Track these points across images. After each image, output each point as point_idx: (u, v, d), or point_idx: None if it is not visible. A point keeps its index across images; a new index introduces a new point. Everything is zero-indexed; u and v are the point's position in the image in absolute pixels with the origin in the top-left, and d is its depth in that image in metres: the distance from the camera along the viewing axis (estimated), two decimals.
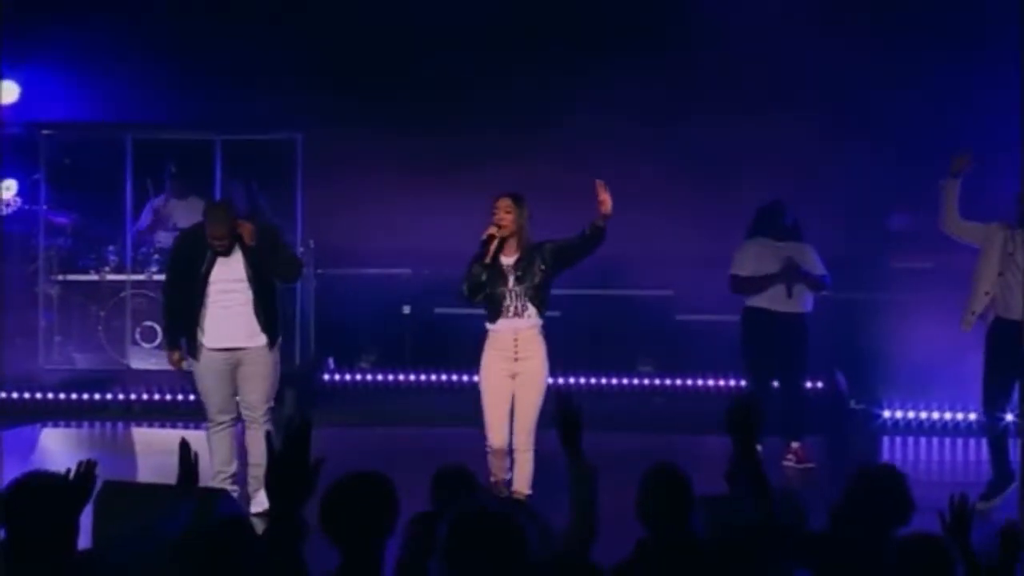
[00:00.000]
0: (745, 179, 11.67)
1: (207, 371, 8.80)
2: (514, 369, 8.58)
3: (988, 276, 9.03)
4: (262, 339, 8.76)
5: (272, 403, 8.86)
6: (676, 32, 12.35)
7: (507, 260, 8.62)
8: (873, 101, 12.10)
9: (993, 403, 9.08)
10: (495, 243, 8.53)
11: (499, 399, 8.60)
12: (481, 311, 8.83)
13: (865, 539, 5.16)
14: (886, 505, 5.25)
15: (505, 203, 8.57)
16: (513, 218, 8.55)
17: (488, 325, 8.69)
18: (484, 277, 8.55)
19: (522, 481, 8.55)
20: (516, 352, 8.57)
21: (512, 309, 8.56)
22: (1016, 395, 9.02)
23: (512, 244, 8.60)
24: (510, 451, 8.58)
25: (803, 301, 10.41)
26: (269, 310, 8.78)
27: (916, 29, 12.03)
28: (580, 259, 8.71)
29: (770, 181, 11.31)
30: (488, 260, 8.51)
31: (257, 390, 8.76)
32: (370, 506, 4.55)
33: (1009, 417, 9.09)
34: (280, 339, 8.98)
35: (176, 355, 8.90)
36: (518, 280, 8.56)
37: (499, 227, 8.54)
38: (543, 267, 8.58)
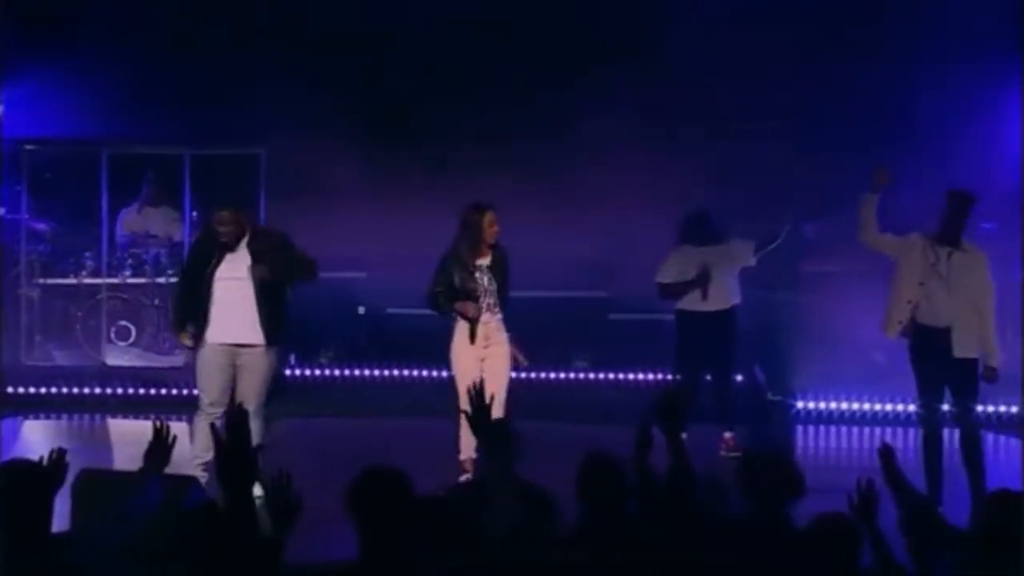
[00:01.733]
0: (684, 187, 11.59)
1: (207, 363, 8.69)
2: (483, 354, 9.06)
3: (909, 286, 8.76)
4: (261, 337, 8.65)
5: (263, 399, 8.70)
6: (648, 46, 12.32)
7: (482, 262, 9.12)
8: (829, 113, 12.13)
9: (930, 405, 8.85)
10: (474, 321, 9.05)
11: (470, 378, 8.76)
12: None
13: (766, 517, 5.17)
14: (777, 483, 5.25)
15: (492, 216, 9.08)
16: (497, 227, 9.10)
17: (460, 318, 9.07)
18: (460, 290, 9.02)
19: None
20: (487, 338, 9.06)
21: (485, 305, 9.06)
22: (948, 393, 8.83)
23: (486, 249, 9.09)
24: None
25: (729, 296, 10.43)
26: (269, 309, 8.64)
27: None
28: None
29: (698, 189, 11.31)
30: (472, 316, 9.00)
31: (251, 386, 8.63)
32: (391, 498, 4.57)
33: (945, 407, 8.87)
34: (279, 338, 8.82)
35: (184, 334, 8.79)
36: (490, 280, 9.08)
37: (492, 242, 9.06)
38: (503, 271, 9.14)
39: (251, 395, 8.57)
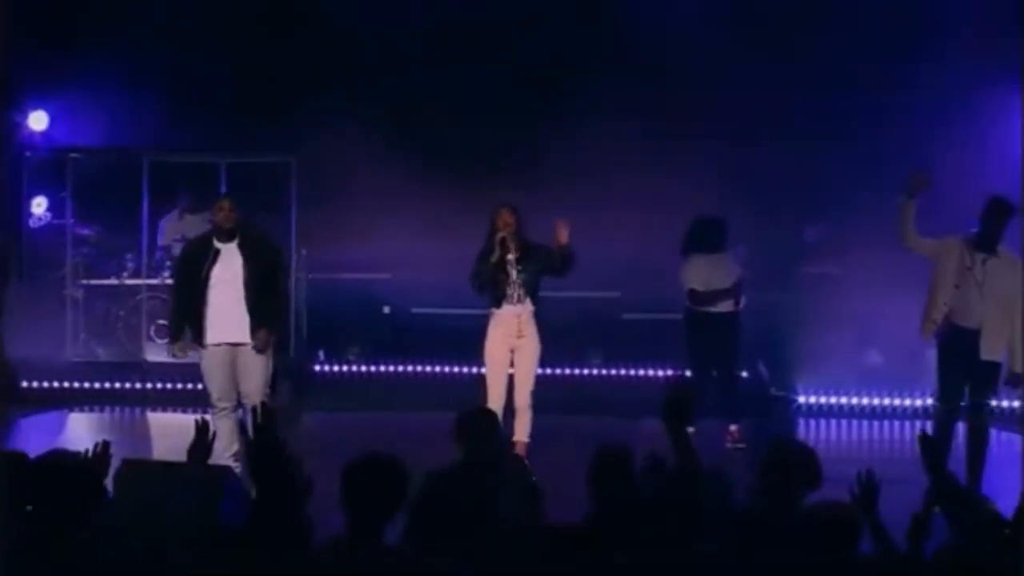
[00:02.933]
0: (691, 194, 11.52)
1: (208, 363, 8.65)
2: (514, 344, 9.18)
3: (945, 288, 8.52)
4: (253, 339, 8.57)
5: (266, 391, 8.62)
6: (651, 55, 12.30)
7: (509, 257, 9.15)
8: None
9: (948, 401, 8.70)
10: (503, 246, 9.07)
11: (499, 368, 9.21)
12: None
13: (779, 504, 5.13)
14: (797, 471, 5.21)
15: (506, 212, 9.14)
16: (513, 222, 9.11)
17: (494, 309, 9.19)
18: (491, 275, 9.09)
19: (522, 431, 9.15)
20: (519, 331, 9.13)
21: (515, 296, 9.14)
22: (967, 391, 8.63)
23: (512, 244, 9.11)
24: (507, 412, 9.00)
25: (731, 300, 10.42)
26: (260, 308, 8.56)
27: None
28: (560, 276, 9.28)
29: (704, 194, 11.25)
30: (495, 258, 9.05)
31: (253, 381, 8.55)
32: (383, 483, 4.57)
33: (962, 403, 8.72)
34: (274, 334, 8.74)
35: (176, 346, 8.78)
36: (518, 273, 9.11)
37: (504, 231, 9.09)
38: (534, 266, 9.14)
39: (253, 390, 8.52)
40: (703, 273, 10.32)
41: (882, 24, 11.97)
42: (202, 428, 5.35)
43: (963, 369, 8.58)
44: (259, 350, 8.58)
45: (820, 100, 12.00)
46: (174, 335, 8.87)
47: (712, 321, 10.30)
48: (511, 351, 9.14)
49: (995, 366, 8.54)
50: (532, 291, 9.15)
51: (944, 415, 8.75)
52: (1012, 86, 11.35)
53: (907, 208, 8.51)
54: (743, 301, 10.41)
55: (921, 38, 11.74)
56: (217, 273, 8.56)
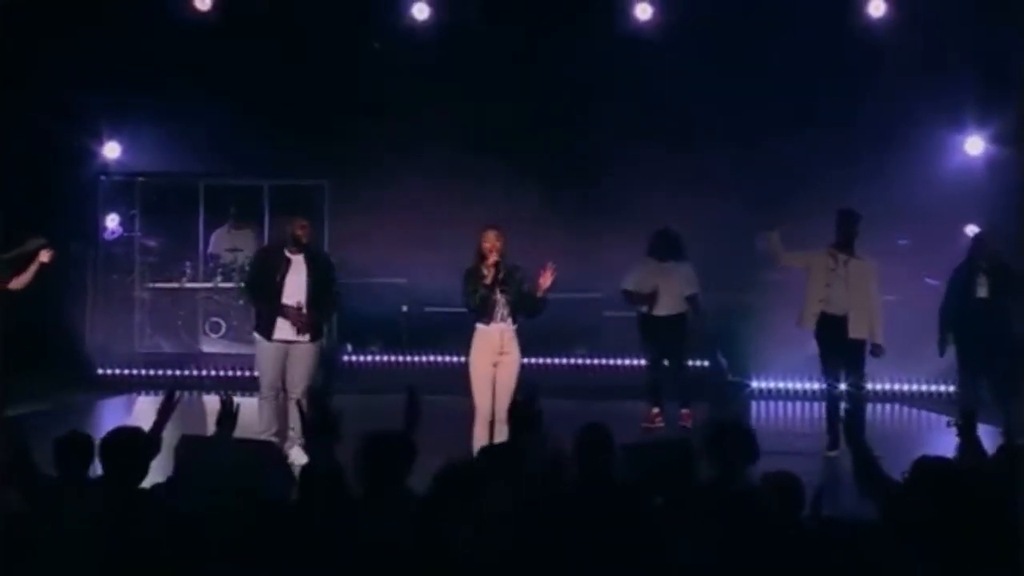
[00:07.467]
0: (662, 208, 11.42)
1: (265, 355, 8.54)
2: (496, 360, 8.25)
3: (818, 289, 9.13)
4: (308, 334, 8.50)
5: (309, 382, 8.55)
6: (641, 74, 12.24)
7: (499, 277, 8.30)
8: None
9: (831, 378, 9.18)
10: (495, 269, 8.19)
11: (485, 381, 8.25)
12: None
13: (722, 477, 5.06)
14: (736, 448, 5.13)
15: (494, 234, 8.23)
16: (502, 245, 8.21)
17: (480, 325, 8.27)
18: (484, 293, 8.22)
19: (501, 437, 8.27)
20: (502, 347, 8.25)
21: (500, 315, 8.24)
22: (843, 369, 9.10)
23: (501, 265, 8.24)
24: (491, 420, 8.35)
25: (679, 303, 10.22)
26: (316, 313, 8.52)
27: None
28: (527, 316, 8.38)
29: (676, 209, 11.18)
30: (488, 283, 8.19)
31: (299, 373, 8.47)
32: (391, 456, 4.62)
33: (842, 386, 9.16)
34: (323, 337, 8.72)
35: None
36: (503, 292, 8.23)
37: (494, 256, 8.17)
38: (517, 287, 8.26)
39: (299, 381, 8.46)
40: (642, 276, 10.25)
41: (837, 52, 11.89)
42: (227, 403, 5.40)
43: (838, 348, 9.11)
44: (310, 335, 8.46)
45: (796, 113, 11.87)
46: (267, 328, 8.47)
47: (656, 323, 10.21)
48: (493, 365, 8.28)
49: (862, 343, 9.09)
50: (515, 310, 8.29)
51: (830, 390, 9.20)
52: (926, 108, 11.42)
53: (773, 239, 9.24)
54: (672, 303, 10.14)
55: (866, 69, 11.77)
56: (288, 279, 8.47)
